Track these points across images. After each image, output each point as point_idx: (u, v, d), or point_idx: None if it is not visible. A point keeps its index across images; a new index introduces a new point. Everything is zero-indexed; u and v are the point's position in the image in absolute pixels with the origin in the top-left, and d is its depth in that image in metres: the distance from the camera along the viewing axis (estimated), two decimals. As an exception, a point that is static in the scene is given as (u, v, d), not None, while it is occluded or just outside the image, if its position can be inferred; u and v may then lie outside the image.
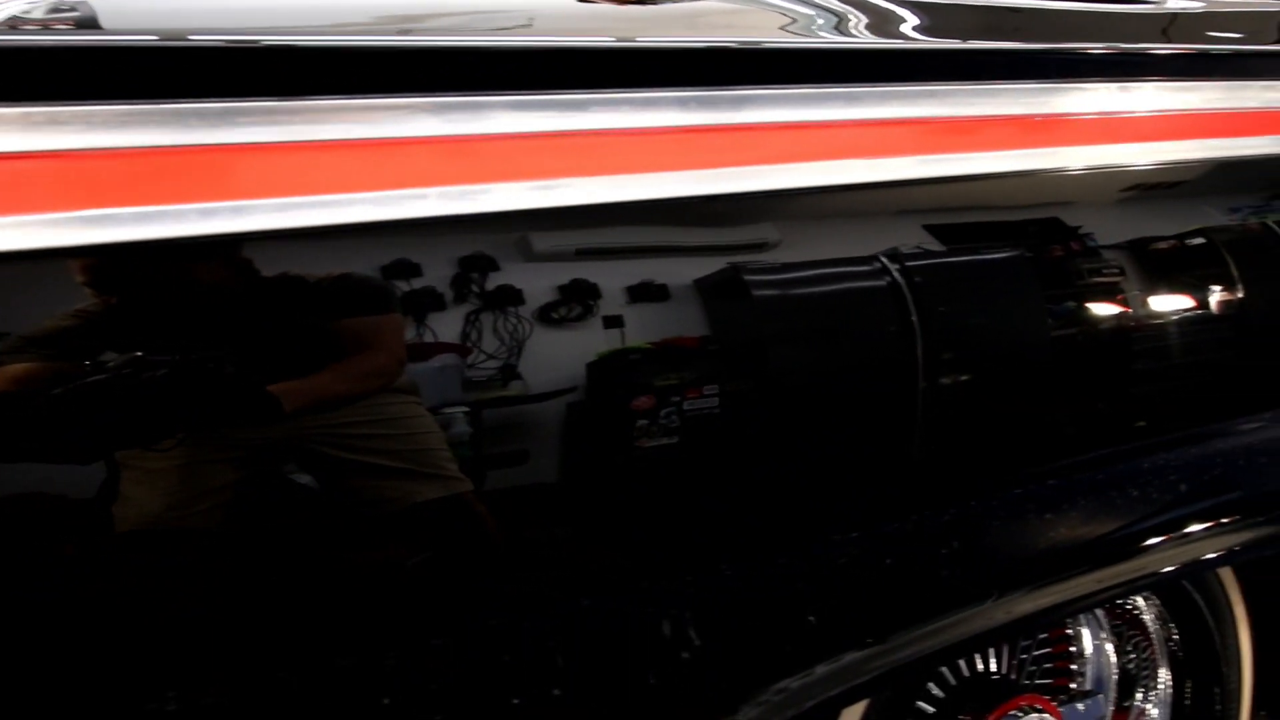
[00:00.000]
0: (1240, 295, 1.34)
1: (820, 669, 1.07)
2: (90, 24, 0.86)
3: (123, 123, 0.77)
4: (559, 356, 0.93)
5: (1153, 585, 1.46)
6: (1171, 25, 1.43)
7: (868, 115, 1.05)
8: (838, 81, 1.05)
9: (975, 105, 1.12)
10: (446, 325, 0.89)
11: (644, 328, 0.97)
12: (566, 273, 0.94)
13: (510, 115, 0.88)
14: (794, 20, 1.17)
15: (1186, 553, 1.31)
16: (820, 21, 1.19)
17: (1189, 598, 1.48)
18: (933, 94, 1.08)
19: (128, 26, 0.87)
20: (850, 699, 1.18)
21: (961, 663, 1.41)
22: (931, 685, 1.39)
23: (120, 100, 0.77)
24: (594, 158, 0.92)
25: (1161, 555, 1.28)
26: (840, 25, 1.19)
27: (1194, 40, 1.38)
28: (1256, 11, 1.52)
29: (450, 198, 0.86)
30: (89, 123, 0.76)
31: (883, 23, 1.22)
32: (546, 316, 0.92)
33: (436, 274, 0.89)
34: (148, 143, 0.78)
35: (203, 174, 0.79)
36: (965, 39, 1.23)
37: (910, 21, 1.22)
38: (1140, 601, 1.53)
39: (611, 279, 0.96)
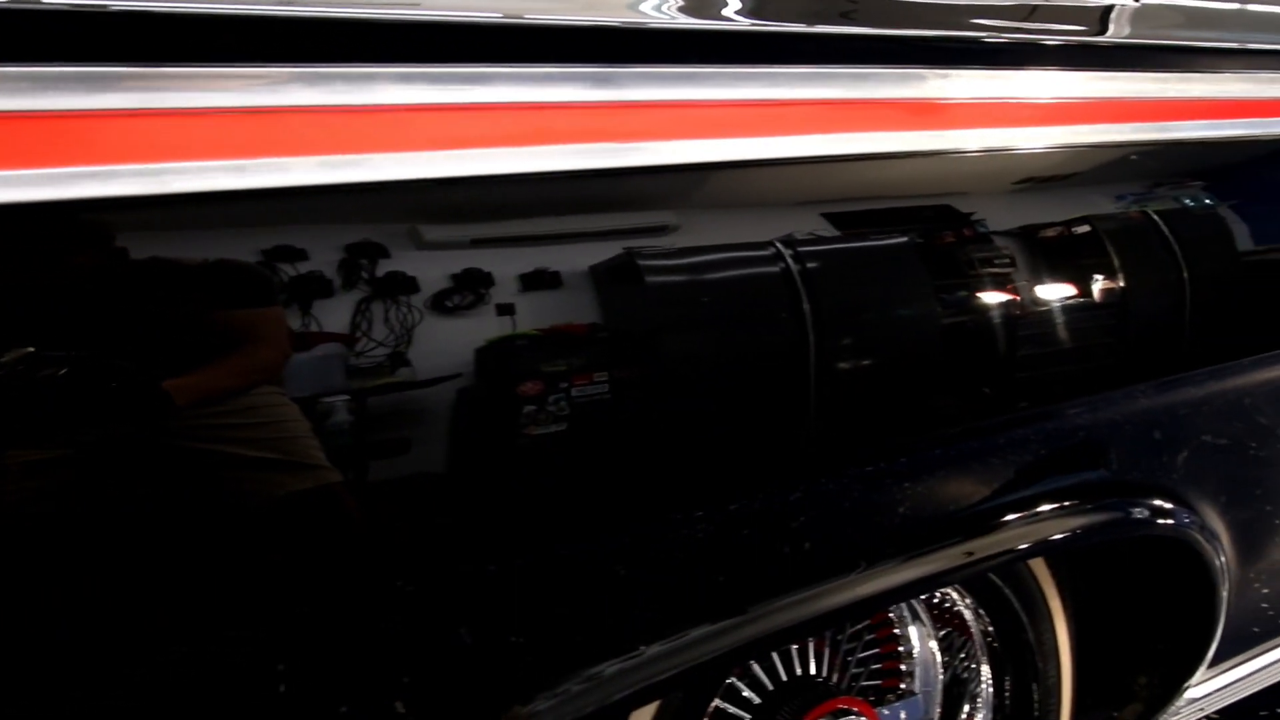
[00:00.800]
0: (1115, 281, 1.38)
1: (653, 649, 1.05)
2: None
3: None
4: (445, 343, 0.92)
5: (1011, 563, 1.47)
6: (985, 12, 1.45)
7: (754, 96, 1.09)
8: (724, 62, 1.07)
9: (860, 88, 1.18)
10: (332, 313, 0.87)
11: (537, 315, 0.96)
12: (458, 261, 0.93)
13: (394, 88, 0.89)
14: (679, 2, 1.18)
15: (1037, 531, 1.33)
16: (703, 3, 1.20)
17: (1001, 593, 1.48)
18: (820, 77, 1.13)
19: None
20: (655, 694, 1.15)
21: (778, 664, 1.39)
22: (744, 688, 1.37)
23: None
24: (476, 130, 0.93)
25: (1016, 532, 1.30)
26: (715, 8, 1.20)
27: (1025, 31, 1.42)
28: (1076, 5, 1.55)
29: (327, 167, 0.86)
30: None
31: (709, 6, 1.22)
32: (438, 304, 0.92)
33: (323, 259, 0.87)
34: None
35: (61, 140, 0.77)
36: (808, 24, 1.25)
37: (736, 6, 1.22)
38: (957, 597, 1.52)
39: (505, 266, 0.95)
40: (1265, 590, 1.78)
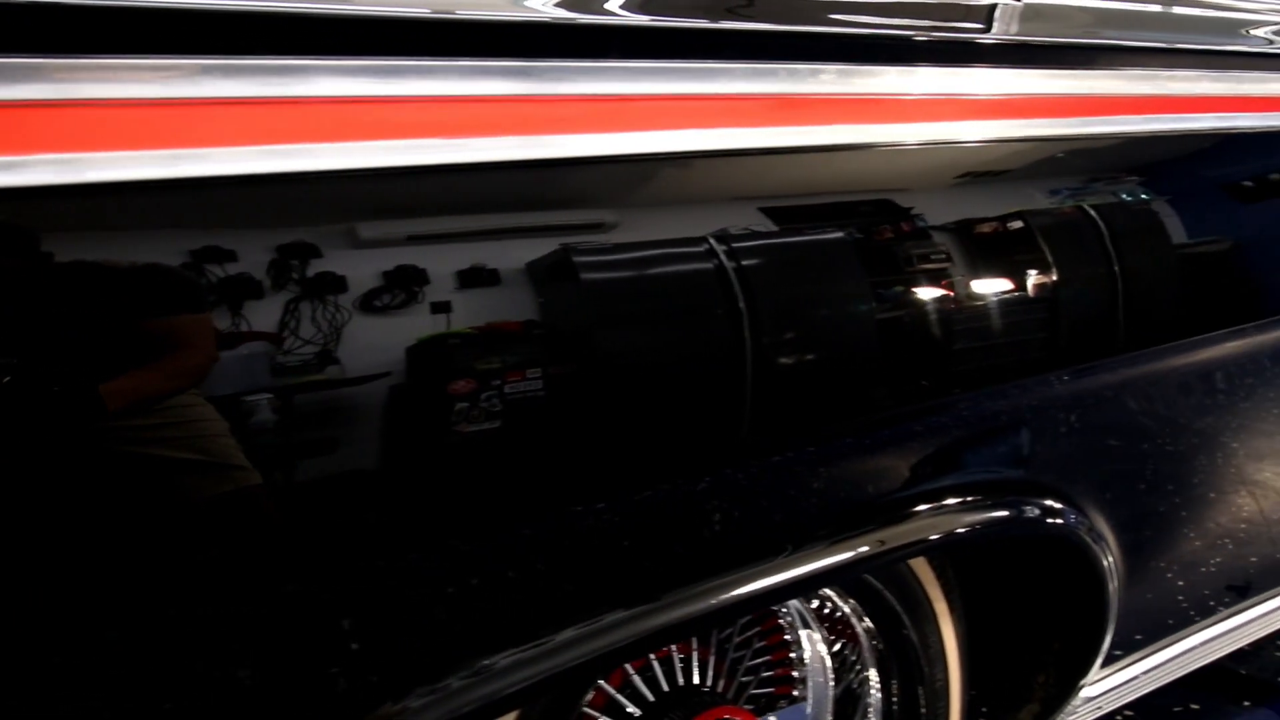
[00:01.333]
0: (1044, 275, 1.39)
1: (568, 633, 1.03)
2: None
3: None
4: (377, 343, 0.91)
5: (923, 552, 1.46)
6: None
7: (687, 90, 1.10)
8: (657, 57, 1.09)
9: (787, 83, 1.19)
10: (263, 314, 0.86)
11: (473, 313, 0.96)
12: (392, 258, 0.93)
13: (325, 80, 0.89)
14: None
15: (944, 523, 1.33)
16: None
17: (881, 595, 1.46)
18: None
19: None
20: (543, 690, 1.11)
21: (659, 672, 1.36)
22: (623, 700, 1.34)
23: None
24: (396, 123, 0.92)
25: (927, 522, 1.30)
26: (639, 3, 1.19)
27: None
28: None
29: (249, 158, 0.85)
30: None
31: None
32: (368, 303, 0.91)
33: (253, 260, 0.86)
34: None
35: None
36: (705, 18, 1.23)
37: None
38: (840, 601, 1.50)
39: (440, 264, 0.95)
40: (1181, 583, 1.78)
